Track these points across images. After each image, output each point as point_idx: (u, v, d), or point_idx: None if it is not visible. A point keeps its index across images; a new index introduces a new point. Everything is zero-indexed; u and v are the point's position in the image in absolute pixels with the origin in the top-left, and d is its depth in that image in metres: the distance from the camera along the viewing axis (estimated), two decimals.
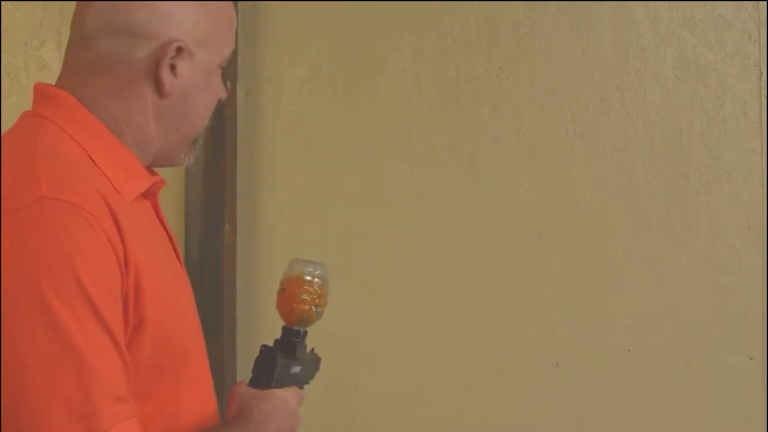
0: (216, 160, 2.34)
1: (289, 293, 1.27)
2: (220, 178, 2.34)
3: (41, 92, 1.17)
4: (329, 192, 2.28)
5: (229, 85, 2.31)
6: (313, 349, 1.37)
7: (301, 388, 1.33)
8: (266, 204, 2.36)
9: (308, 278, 1.26)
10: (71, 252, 1.00)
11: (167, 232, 1.25)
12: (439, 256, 2.15)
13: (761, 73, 1.91)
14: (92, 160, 1.11)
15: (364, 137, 2.24)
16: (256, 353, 1.29)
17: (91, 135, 1.12)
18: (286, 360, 1.26)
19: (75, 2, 1.19)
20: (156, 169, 1.27)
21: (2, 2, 2.58)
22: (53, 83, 1.20)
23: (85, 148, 1.11)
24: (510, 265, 2.09)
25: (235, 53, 2.35)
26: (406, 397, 2.19)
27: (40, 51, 2.55)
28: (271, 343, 1.28)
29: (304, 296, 1.26)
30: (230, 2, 1.22)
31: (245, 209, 2.38)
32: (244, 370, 2.24)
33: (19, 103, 2.58)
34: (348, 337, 2.21)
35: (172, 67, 1.14)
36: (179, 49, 1.13)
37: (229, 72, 2.34)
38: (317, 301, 1.26)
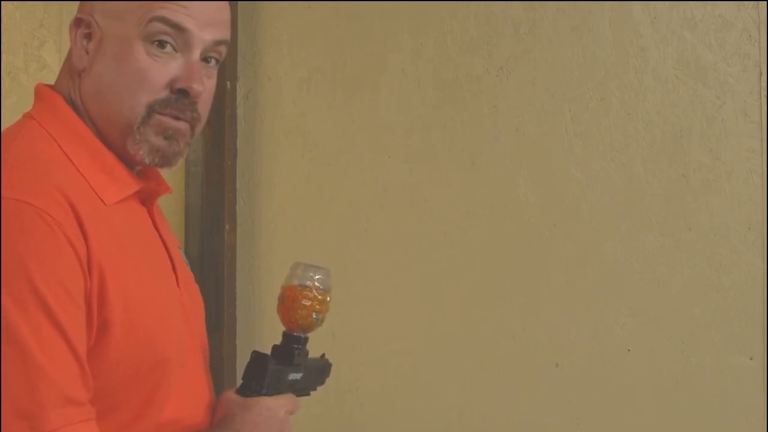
0: (216, 160, 2.34)
1: (289, 299, 1.23)
2: (220, 178, 2.34)
3: (37, 92, 1.17)
4: (329, 192, 2.28)
5: (229, 85, 2.33)
6: (323, 354, 1.34)
7: (308, 395, 1.30)
8: (266, 204, 2.36)
9: (309, 284, 1.23)
10: (26, 253, 0.99)
11: (162, 240, 1.22)
12: (439, 256, 2.15)
13: (761, 73, 1.91)
14: (72, 163, 1.10)
15: (364, 137, 2.24)
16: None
17: (74, 137, 1.11)
18: (278, 366, 1.22)
19: (75, 2, 1.19)
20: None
21: (2, 2, 2.58)
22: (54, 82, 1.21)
23: (66, 150, 1.10)
24: (510, 265, 2.09)
25: (234, 53, 2.36)
26: (406, 397, 2.18)
27: (40, 51, 2.55)
28: (269, 347, 1.26)
29: (305, 302, 1.22)
30: None
31: (245, 209, 2.38)
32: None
33: (19, 103, 2.58)
34: (348, 337, 2.21)
35: (85, 41, 1.14)
36: (85, 24, 1.13)
37: (229, 72, 2.35)
38: (318, 307, 1.23)
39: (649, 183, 1.99)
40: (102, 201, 1.10)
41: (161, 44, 1.13)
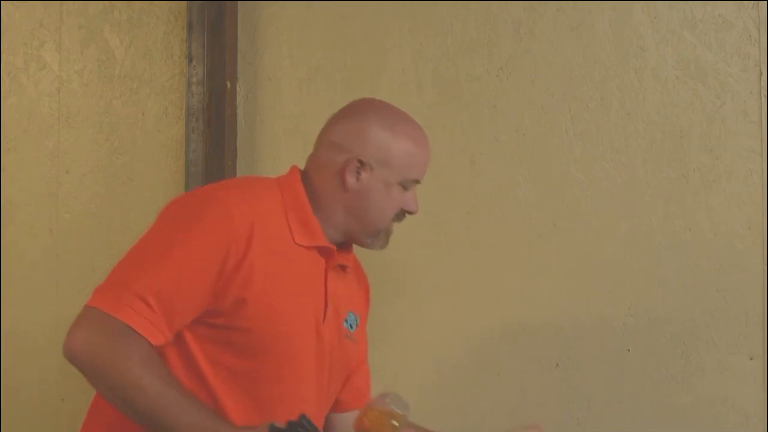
0: (216, 160, 2.34)
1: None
2: (220, 178, 2.34)
3: (291, 171, 1.64)
4: None
5: (229, 85, 2.33)
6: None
7: None
8: None
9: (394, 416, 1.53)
10: (199, 220, 1.46)
11: (326, 287, 1.58)
12: (439, 256, 2.15)
13: (761, 73, 1.91)
14: (285, 213, 1.55)
15: None
16: None
17: (295, 202, 1.58)
18: None
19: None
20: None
21: (2, 2, 2.58)
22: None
23: (286, 206, 1.56)
24: (510, 265, 2.09)
25: (234, 53, 2.36)
26: (405, 397, 2.18)
27: (40, 51, 2.55)
28: None
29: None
30: (425, 140, 1.62)
31: None
32: None
33: (18, 103, 2.58)
34: None
35: (357, 172, 1.57)
36: (361, 163, 1.56)
37: (229, 72, 2.35)
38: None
39: (649, 183, 1.99)
40: (293, 238, 1.54)
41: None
